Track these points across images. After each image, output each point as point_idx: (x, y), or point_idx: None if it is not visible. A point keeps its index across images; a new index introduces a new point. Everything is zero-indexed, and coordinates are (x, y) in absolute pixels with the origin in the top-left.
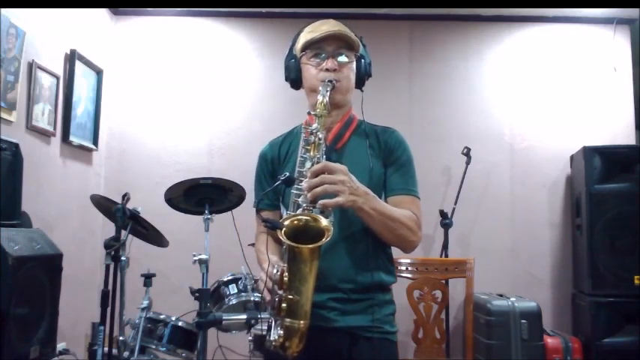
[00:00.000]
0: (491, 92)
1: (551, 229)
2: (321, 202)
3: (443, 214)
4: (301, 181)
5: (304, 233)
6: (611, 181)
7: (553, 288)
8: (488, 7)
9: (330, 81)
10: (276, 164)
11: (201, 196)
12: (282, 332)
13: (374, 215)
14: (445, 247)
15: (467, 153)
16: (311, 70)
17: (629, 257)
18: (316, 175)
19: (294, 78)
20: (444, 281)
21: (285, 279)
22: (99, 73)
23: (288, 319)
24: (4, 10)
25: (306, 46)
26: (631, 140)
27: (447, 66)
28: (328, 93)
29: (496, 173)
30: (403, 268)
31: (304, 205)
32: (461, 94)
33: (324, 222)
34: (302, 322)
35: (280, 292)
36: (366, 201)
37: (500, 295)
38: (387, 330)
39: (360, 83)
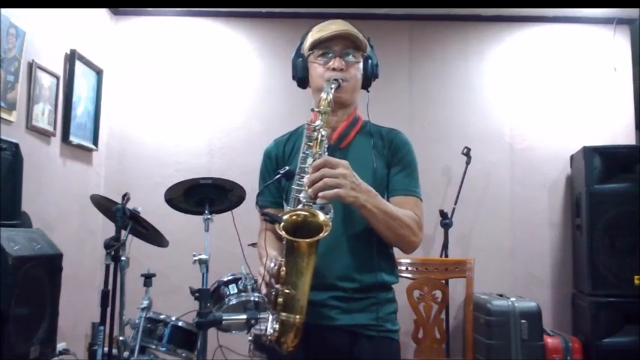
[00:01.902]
0: (491, 92)
1: (551, 229)
2: (320, 193)
3: (443, 214)
4: (302, 177)
5: (303, 228)
6: (611, 181)
7: (553, 288)
8: (488, 7)
9: (336, 79)
10: (280, 162)
11: (201, 196)
12: (277, 327)
13: (376, 213)
14: (445, 247)
15: (467, 153)
16: (318, 69)
17: (629, 257)
18: (317, 169)
19: (301, 77)
20: (444, 281)
21: (283, 273)
22: (99, 73)
23: (284, 314)
24: (4, 10)
25: (314, 45)
26: (631, 140)
27: (447, 66)
28: (332, 90)
29: (496, 173)
30: (403, 268)
31: (304, 200)
32: (461, 94)
33: (322, 217)
34: (298, 316)
35: (277, 286)
36: (368, 198)
37: (500, 295)
38: (389, 328)
39: (366, 84)
